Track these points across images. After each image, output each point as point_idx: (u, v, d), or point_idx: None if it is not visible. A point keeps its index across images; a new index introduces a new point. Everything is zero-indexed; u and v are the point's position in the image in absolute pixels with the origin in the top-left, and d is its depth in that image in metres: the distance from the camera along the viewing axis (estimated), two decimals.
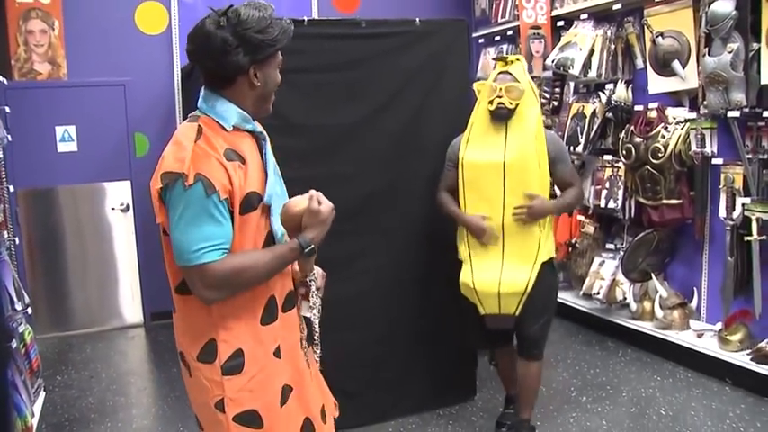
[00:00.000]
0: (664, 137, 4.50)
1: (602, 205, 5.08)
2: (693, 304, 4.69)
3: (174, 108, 5.92)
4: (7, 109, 4.43)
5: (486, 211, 3.36)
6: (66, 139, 5.60)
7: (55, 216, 5.71)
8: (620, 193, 4.96)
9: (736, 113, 4.04)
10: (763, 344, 4.02)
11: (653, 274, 4.82)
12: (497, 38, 6.46)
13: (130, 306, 5.94)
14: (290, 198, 1.97)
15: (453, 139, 3.52)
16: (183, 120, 6.32)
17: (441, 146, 3.59)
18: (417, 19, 3.76)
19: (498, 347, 3.76)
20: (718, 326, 4.39)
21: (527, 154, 3.29)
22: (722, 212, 4.28)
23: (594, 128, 5.11)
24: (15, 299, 3.76)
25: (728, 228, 4.25)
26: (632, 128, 4.72)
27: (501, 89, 3.29)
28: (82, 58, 5.57)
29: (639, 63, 5.00)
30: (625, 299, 4.98)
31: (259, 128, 1.96)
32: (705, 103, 4.23)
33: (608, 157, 5.11)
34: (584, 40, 5.10)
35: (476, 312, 3.47)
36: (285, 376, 1.98)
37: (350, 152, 3.61)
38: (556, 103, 5.66)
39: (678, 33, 4.44)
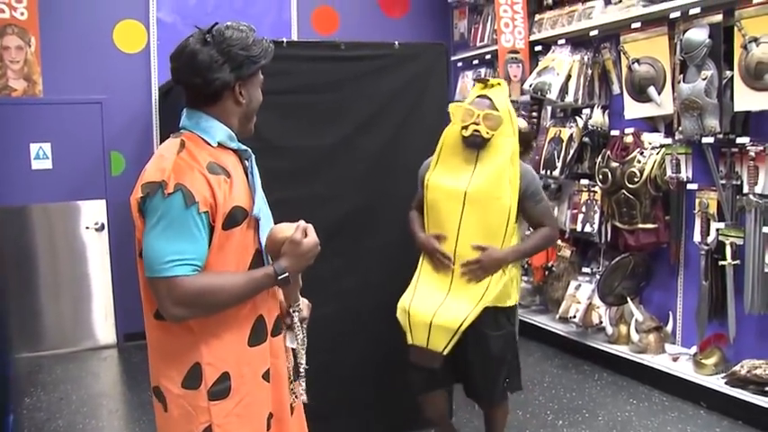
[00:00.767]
0: (639, 162, 4.55)
1: (579, 229, 5.12)
2: (669, 328, 4.73)
3: (152, 127, 5.89)
4: None
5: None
6: (41, 157, 5.54)
7: (28, 234, 5.62)
8: (597, 217, 5.00)
9: (711, 139, 4.11)
10: (737, 368, 4.05)
11: (629, 298, 4.85)
12: (476, 61, 6.53)
13: (103, 327, 5.85)
14: (275, 223, 1.95)
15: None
16: (161, 138, 6.29)
17: (419, 168, 3.58)
18: (396, 42, 3.77)
19: (425, 392, 3.31)
20: (694, 350, 4.43)
21: (493, 187, 3.05)
22: (697, 237, 4.33)
23: (571, 152, 5.16)
24: None
25: (703, 252, 4.30)
26: (609, 152, 4.78)
27: (479, 115, 3.04)
28: (58, 76, 5.52)
29: (616, 88, 5.07)
30: (601, 322, 5.00)
31: (243, 146, 1.95)
32: (680, 128, 4.29)
33: (584, 182, 5.15)
34: (562, 65, 5.16)
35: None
36: (270, 404, 1.95)
37: (329, 174, 3.60)
38: (533, 128, 5.70)
39: (654, 60, 4.51)
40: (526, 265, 5.61)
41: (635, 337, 4.70)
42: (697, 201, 4.34)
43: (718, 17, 4.01)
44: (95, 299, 5.82)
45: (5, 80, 5.41)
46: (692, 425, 4.06)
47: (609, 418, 4.19)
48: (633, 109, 4.70)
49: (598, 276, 4.97)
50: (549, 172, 5.24)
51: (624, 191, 4.61)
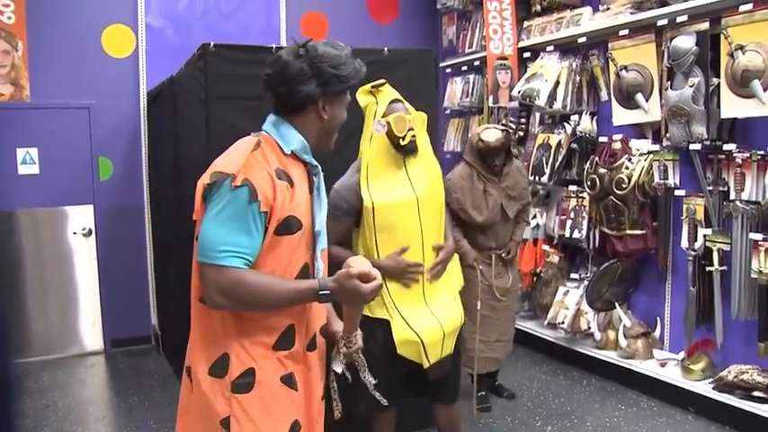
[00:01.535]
0: (627, 168, 4.58)
1: (567, 235, 5.14)
2: (657, 334, 4.75)
3: (140, 132, 5.88)
4: None
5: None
6: (28, 162, 5.51)
7: (15, 240, 5.60)
8: (585, 223, 5.02)
9: (698, 146, 4.14)
10: (724, 373, 4.07)
11: (617, 304, 4.87)
12: (464, 68, 6.54)
13: (90, 333, 5.82)
14: None
15: (337, 184, 3.02)
16: (149, 144, 6.23)
17: (334, 196, 3.42)
18: (386, 48, 3.78)
19: (380, 411, 3.10)
20: (681, 355, 4.45)
21: (436, 186, 3.07)
22: (684, 243, 4.35)
23: (560, 158, 5.18)
24: None
25: (691, 258, 4.32)
26: (597, 159, 4.80)
27: (411, 120, 2.93)
28: (46, 80, 5.51)
29: (604, 95, 5.10)
30: (589, 328, 5.02)
31: (314, 161, 2.00)
32: (668, 135, 4.32)
33: (573, 188, 5.18)
34: (550, 72, 5.18)
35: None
36: (298, 412, 1.96)
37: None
38: (522, 134, 5.73)
39: (641, 67, 4.54)
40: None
41: (623, 342, 4.72)
42: (684, 207, 4.36)
43: (705, 25, 4.04)
44: (82, 305, 5.79)
45: None
46: (681, 430, 4.08)
47: (597, 423, 4.21)
48: (621, 115, 4.73)
49: (586, 282, 4.99)
50: (537, 178, 5.26)
51: (612, 197, 4.63)
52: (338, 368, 2.09)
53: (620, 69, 4.63)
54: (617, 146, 4.72)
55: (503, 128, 4.12)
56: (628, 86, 4.59)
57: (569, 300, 5.13)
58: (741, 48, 3.79)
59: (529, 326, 5.61)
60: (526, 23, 5.75)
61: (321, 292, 1.86)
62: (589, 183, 4.81)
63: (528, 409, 4.46)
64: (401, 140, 2.91)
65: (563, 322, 5.10)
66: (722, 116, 3.97)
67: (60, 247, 5.72)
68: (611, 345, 4.93)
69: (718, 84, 3.97)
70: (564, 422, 4.24)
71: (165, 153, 4.97)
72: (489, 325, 4.19)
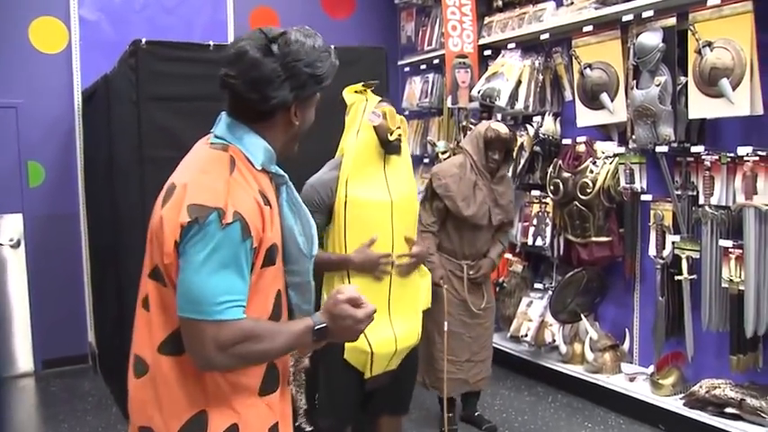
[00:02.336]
0: (592, 172, 4.52)
1: (530, 243, 5.06)
2: (626, 346, 4.69)
3: (74, 134, 5.66)
4: None
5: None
6: None
7: None
8: (548, 230, 4.95)
9: (665, 148, 4.08)
10: (695, 388, 4.02)
11: (583, 315, 4.80)
12: (423, 66, 6.46)
13: (20, 352, 5.57)
14: None
15: (312, 180, 3.03)
16: (84, 147, 6.02)
17: (310, 188, 3.40)
18: (332, 46, 3.68)
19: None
20: (651, 369, 4.39)
21: (412, 190, 3.11)
22: (652, 250, 4.30)
23: (522, 162, 5.11)
24: None
25: (659, 266, 4.27)
26: (560, 162, 4.73)
27: (402, 119, 3.04)
28: None
29: (568, 95, 5.05)
30: (554, 341, 4.94)
31: (280, 171, 1.78)
32: (634, 137, 4.26)
33: (536, 193, 5.10)
34: (512, 71, 5.11)
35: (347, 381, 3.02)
36: None
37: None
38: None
39: (606, 65, 4.47)
40: None
41: (590, 356, 4.65)
42: (652, 212, 4.31)
43: (672, 20, 3.99)
44: (11, 323, 5.53)
45: None
46: None
47: None
48: (585, 116, 4.66)
49: (550, 292, 4.91)
50: None
51: (576, 202, 4.57)
52: (293, 391, 2.04)
53: (585, 68, 4.57)
54: (581, 148, 4.66)
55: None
56: (592, 86, 4.53)
57: (533, 311, 5.05)
58: (709, 44, 3.74)
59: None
60: (487, 19, 5.67)
61: (317, 328, 1.65)
62: (552, 187, 4.73)
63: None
64: (390, 135, 2.93)
65: (526, 335, 5.02)
66: (690, 117, 3.91)
67: None
68: (577, 359, 4.85)
69: (686, 83, 3.91)
70: None
71: (100, 157, 4.81)
72: (459, 343, 4.02)
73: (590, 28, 4.56)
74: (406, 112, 6.57)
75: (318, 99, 1.80)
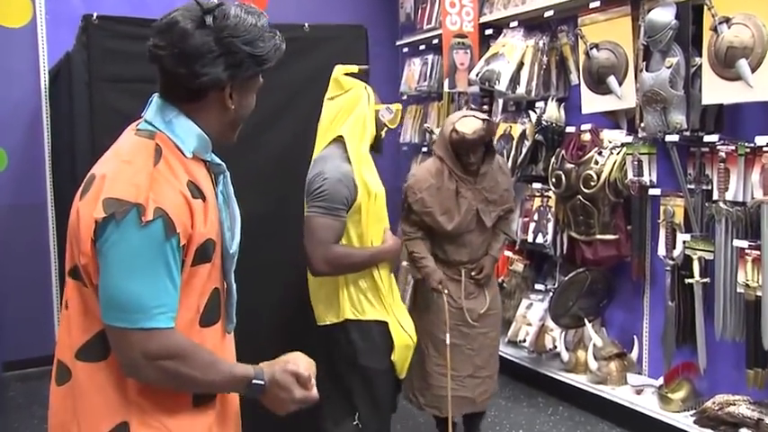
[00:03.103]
0: (597, 163, 4.30)
1: (530, 240, 4.85)
2: (634, 355, 4.47)
3: (40, 116, 5.43)
4: None
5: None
6: None
7: None
8: (550, 226, 4.74)
9: (675, 137, 3.85)
10: (708, 403, 3.80)
11: (586, 320, 4.58)
12: (422, 47, 6.26)
13: None
14: None
15: (332, 173, 2.95)
16: (52, 131, 5.88)
17: (341, 183, 3.34)
18: (306, 24, 3.60)
19: None
20: (660, 381, 4.17)
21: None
22: (662, 250, 4.09)
23: (524, 151, 4.88)
24: None
25: (668, 268, 4.06)
26: (563, 152, 4.51)
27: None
28: None
29: (574, 78, 4.81)
30: (555, 347, 4.73)
31: (217, 159, 1.71)
32: (643, 125, 4.03)
33: (537, 186, 4.89)
34: (513, 52, 4.88)
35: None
36: None
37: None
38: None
39: (615, 45, 4.25)
40: None
41: (593, 365, 4.43)
42: (661, 208, 4.09)
43: None
44: None
45: None
46: None
47: None
48: (591, 102, 4.44)
49: (552, 294, 4.69)
50: None
51: (580, 196, 4.35)
52: None
53: (591, 48, 4.33)
54: (586, 137, 4.44)
55: (484, 117, 3.69)
56: (599, 68, 4.30)
57: (532, 315, 4.84)
58: (726, 20, 3.50)
59: None
60: None
61: (254, 383, 1.60)
62: (554, 180, 4.51)
63: None
64: (382, 132, 3.12)
65: (524, 340, 4.81)
66: (703, 102, 3.68)
67: None
68: (581, 367, 4.65)
69: (701, 64, 3.68)
70: None
71: (64, 142, 4.63)
72: (459, 356, 3.71)
73: (597, 4, 4.34)
74: (405, 97, 6.39)
75: (261, 84, 1.71)
